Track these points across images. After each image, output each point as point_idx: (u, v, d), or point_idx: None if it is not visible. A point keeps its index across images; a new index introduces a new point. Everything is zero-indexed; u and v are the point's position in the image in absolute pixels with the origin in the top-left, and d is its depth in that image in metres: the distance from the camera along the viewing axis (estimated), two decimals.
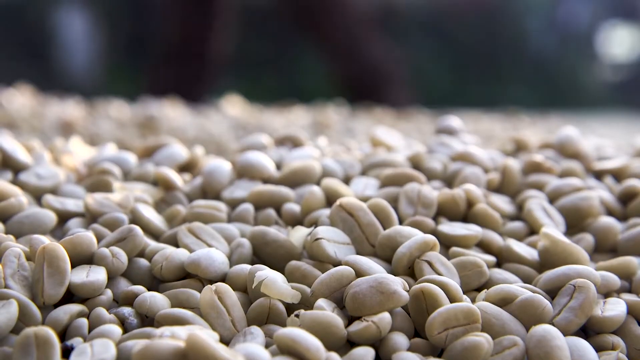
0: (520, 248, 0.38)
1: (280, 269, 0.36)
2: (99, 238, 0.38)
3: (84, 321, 0.33)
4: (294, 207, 0.41)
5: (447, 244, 0.39)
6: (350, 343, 0.32)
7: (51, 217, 0.40)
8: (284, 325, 0.33)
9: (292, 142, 0.51)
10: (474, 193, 0.41)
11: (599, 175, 0.47)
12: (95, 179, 0.45)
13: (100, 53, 2.57)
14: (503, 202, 0.43)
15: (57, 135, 0.80)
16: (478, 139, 0.54)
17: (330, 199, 0.41)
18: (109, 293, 0.35)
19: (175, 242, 0.39)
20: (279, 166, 0.47)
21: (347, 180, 0.45)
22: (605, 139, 0.54)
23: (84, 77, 2.48)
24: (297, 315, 0.32)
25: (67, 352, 0.31)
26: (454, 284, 0.34)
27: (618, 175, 0.47)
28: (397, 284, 0.33)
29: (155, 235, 0.40)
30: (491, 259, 0.38)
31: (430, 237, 0.36)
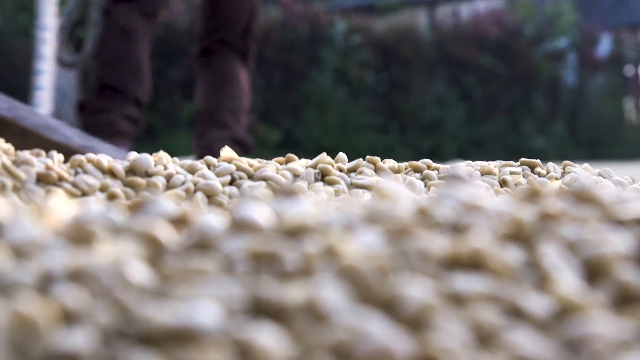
0: (534, 302, 0.39)
1: (278, 328, 0.37)
2: (86, 298, 0.39)
3: None
4: (292, 263, 0.42)
5: (456, 299, 0.39)
6: None
7: (34, 277, 0.41)
8: None
9: (291, 194, 0.52)
10: (485, 245, 0.42)
11: (619, 223, 0.48)
12: (80, 236, 0.46)
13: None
14: (516, 254, 0.44)
15: (40, 190, 0.82)
16: (490, 187, 0.55)
17: (330, 253, 0.42)
18: (101, 355, 0.36)
19: (166, 301, 0.40)
20: (277, 219, 0.48)
21: (349, 234, 0.46)
22: (628, 187, 0.55)
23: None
24: None
25: None
26: (464, 344, 0.34)
27: None
28: (401, 348, 0.34)
29: (145, 293, 0.41)
30: (503, 314, 0.39)
31: (439, 293, 0.37)
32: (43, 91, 1.97)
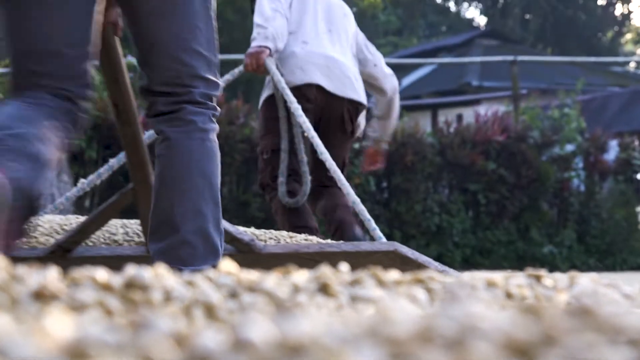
0: None
1: None
2: None
3: None
4: None
5: None
6: None
7: None
8: None
9: (290, 309, 0.53)
10: None
11: (623, 341, 0.49)
12: (76, 356, 0.47)
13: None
14: None
15: (34, 306, 0.82)
16: (495, 299, 0.56)
17: None
18: None
19: None
20: (276, 337, 0.49)
21: (349, 352, 0.47)
22: (637, 300, 0.56)
23: None
24: None
25: None
26: None
27: None
28: None
29: None
30: None
31: None
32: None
